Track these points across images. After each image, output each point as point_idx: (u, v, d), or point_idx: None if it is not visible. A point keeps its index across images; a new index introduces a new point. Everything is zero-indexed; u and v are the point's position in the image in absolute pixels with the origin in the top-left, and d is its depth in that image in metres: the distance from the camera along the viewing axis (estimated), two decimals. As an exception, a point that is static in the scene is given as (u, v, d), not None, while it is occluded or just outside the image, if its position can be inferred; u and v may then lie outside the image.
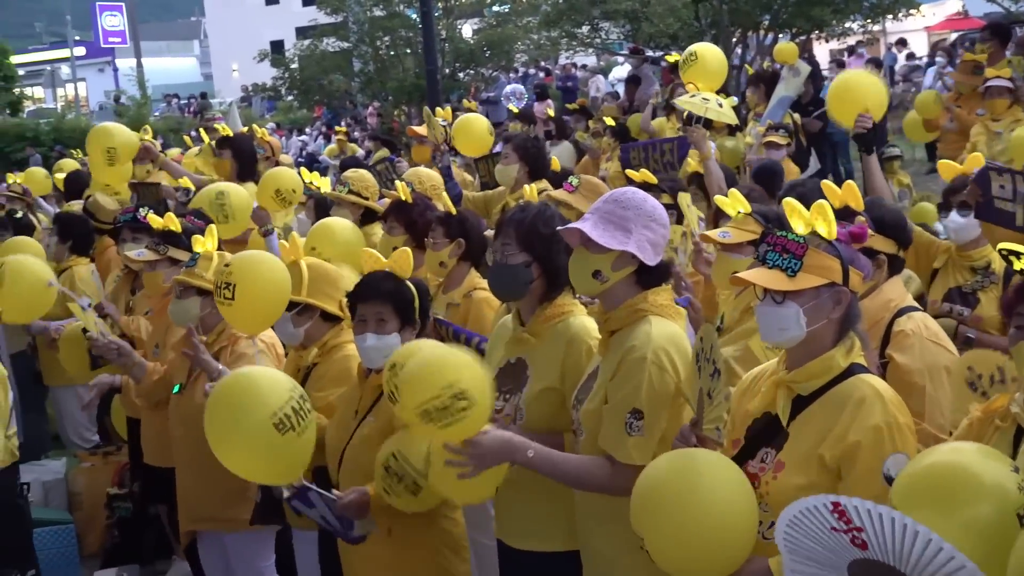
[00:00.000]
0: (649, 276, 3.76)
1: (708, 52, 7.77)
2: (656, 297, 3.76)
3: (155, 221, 6.26)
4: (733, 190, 4.14)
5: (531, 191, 6.64)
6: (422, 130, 10.02)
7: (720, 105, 7.28)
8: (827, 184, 4.69)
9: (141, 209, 7.21)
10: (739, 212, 4.85)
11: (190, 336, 5.15)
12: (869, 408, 3.13)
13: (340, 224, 6.86)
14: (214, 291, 5.01)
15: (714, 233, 4.87)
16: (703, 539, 3.01)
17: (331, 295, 5.07)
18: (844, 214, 4.49)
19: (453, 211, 6.10)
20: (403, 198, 6.73)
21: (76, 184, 10.66)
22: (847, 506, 2.57)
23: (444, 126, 9.89)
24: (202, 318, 5.51)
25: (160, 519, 7.10)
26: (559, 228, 3.85)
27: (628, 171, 6.86)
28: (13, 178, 11.98)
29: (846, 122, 6.21)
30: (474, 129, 9.36)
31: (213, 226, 5.77)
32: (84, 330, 6.15)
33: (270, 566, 5.68)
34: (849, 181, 4.67)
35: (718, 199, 5.04)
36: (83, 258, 8.43)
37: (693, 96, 7.41)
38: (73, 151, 12.76)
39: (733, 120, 8.04)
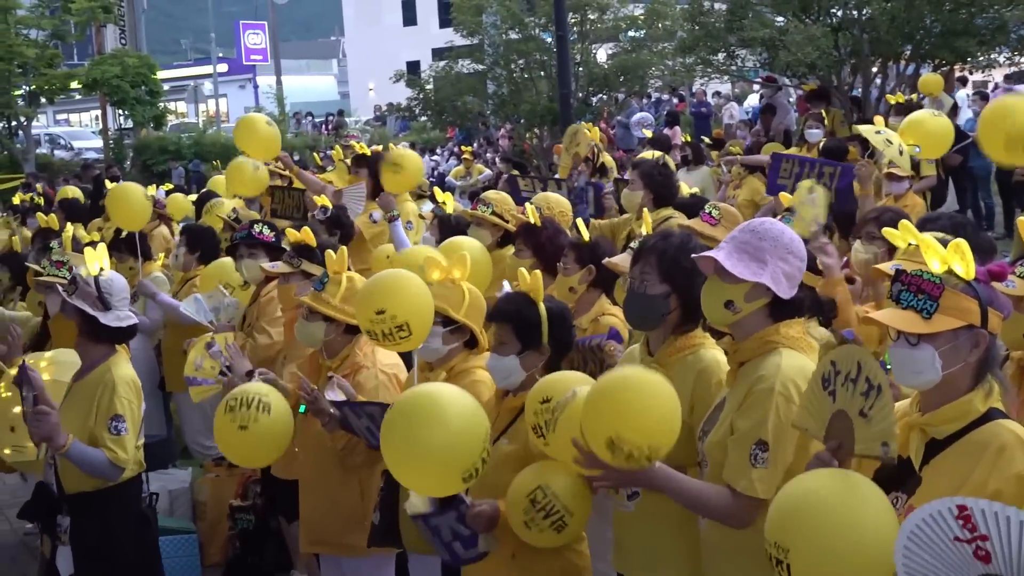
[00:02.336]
0: (782, 308, 3.69)
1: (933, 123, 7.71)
2: (788, 330, 3.69)
3: (291, 234, 6.35)
4: (904, 221, 4.03)
5: (647, 218, 6.55)
6: (561, 150, 10.00)
7: (900, 153, 7.10)
8: None
9: (256, 225, 7.33)
10: (910, 244, 4.69)
11: (304, 386, 5.13)
12: (1011, 456, 2.99)
13: (469, 244, 6.87)
14: (381, 337, 4.86)
15: (885, 266, 4.74)
16: (859, 561, 2.83)
17: (480, 322, 5.10)
18: None
19: (586, 237, 6.07)
20: (531, 221, 6.72)
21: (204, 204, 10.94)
22: (973, 509, 2.46)
23: (593, 147, 9.85)
24: (326, 343, 5.52)
25: (281, 533, 7.18)
26: (694, 256, 3.79)
27: (782, 195, 6.72)
28: (152, 190, 12.28)
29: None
30: None
31: (344, 248, 5.80)
32: (208, 345, 6.25)
33: None
34: None
35: (887, 231, 4.89)
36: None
37: (879, 132, 7.22)
38: (214, 163, 13.03)
39: (907, 171, 7.86)
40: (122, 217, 8.93)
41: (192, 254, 8.60)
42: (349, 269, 5.73)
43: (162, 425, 9.05)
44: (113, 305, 5.38)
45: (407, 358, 5.47)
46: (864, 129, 7.52)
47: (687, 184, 9.91)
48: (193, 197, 12.48)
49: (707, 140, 16.36)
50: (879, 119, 7.67)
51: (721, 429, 3.68)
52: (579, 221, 6.61)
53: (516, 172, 16.79)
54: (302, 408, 5.56)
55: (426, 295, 4.92)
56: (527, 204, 7.32)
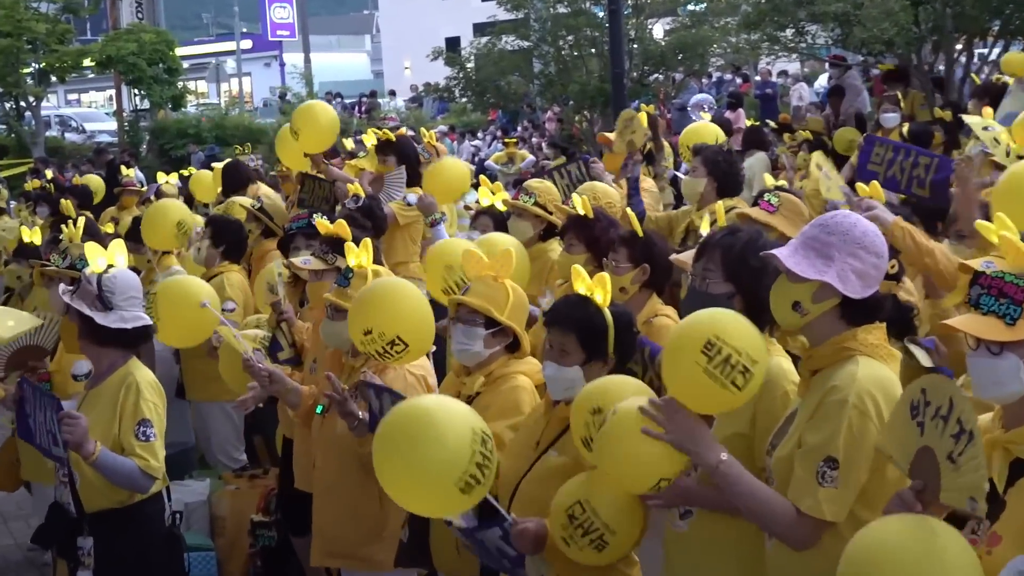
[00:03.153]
0: (858, 311, 3.65)
1: None
2: (867, 335, 3.65)
3: (322, 226, 6.35)
4: (999, 214, 4.07)
5: (720, 209, 6.51)
6: (612, 136, 9.92)
7: (1008, 155, 7.02)
8: None
9: (316, 214, 7.34)
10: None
11: (332, 381, 5.19)
12: None
13: (506, 240, 6.83)
14: (379, 357, 5.03)
15: (976, 262, 4.68)
16: None
17: (523, 323, 5.10)
18: None
19: (639, 231, 6.00)
20: (582, 212, 6.68)
21: (235, 177, 10.86)
22: None
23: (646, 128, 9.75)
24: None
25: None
26: (763, 253, 3.77)
27: (858, 184, 6.67)
28: (165, 177, 12.34)
29: None
30: None
31: (368, 240, 5.81)
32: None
33: None
34: None
35: (980, 224, 4.81)
36: (235, 264, 8.60)
37: (987, 128, 7.13)
38: (238, 148, 13.04)
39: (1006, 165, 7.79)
40: (151, 237, 8.97)
41: (216, 248, 8.53)
42: (381, 263, 5.77)
43: (188, 432, 9.05)
44: (115, 305, 5.37)
45: (441, 368, 5.50)
46: (973, 121, 7.40)
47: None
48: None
49: (772, 124, 16.26)
50: (988, 111, 7.55)
51: (790, 443, 3.65)
52: (630, 212, 6.50)
53: (564, 159, 16.73)
54: (319, 408, 5.59)
55: (416, 302, 5.05)
56: (574, 195, 7.25)
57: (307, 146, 9.48)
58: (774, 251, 3.68)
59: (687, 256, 5.23)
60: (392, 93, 45.16)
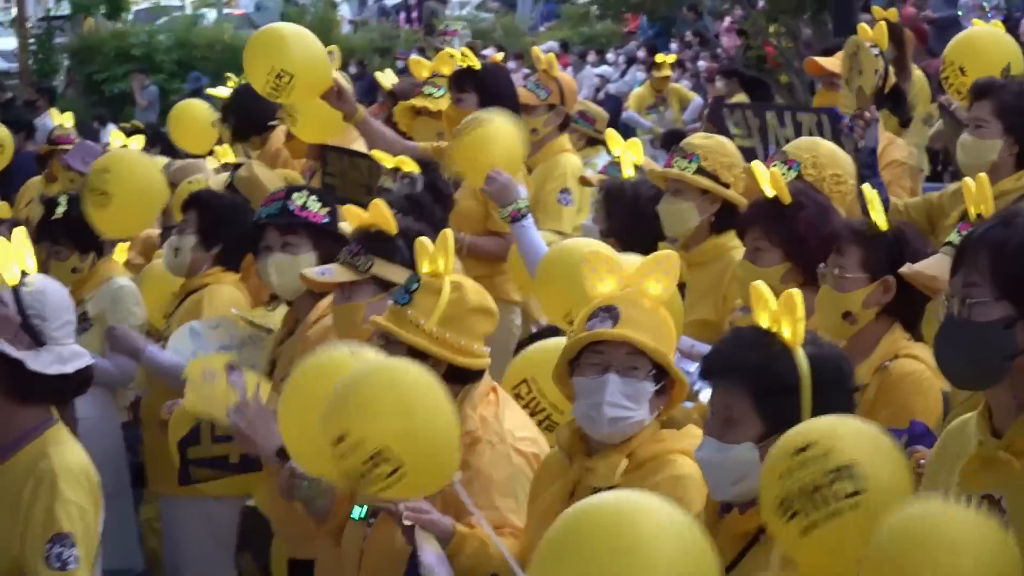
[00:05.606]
0: None
1: None
2: None
3: (354, 215, 6.44)
4: None
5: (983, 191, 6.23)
6: (830, 63, 9.80)
7: None
8: None
9: (296, 194, 7.35)
10: None
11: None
12: None
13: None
14: (361, 480, 4.91)
15: None
16: None
17: None
18: None
19: (884, 224, 5.97)
20: (769, 190, 6.64)
21: (254, 109, 10.49)
22: None
23: (877, 56, 9.39)
24: None
25: None
26: None
27: None
28: (118, 136, 12.37)
29: None
30: None
31: (448, 231, 5.81)
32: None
33: None
34: None
35: None
36: (230, 273, 8.55)
37: None
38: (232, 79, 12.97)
39: None
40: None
41: (207, 249, 8.43)
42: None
43: (135, 548, 9.03)
44: (49, 336, 5.41)
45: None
46: None
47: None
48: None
49: None
50: None
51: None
52: (868, 192, 6.28)
53: (744, 96, 16.61)
54: (360, 513, 5.65)
55: (429, 394, 4.96)
56: (755, 164, 7.05)
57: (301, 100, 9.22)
58: None
59: (931, 265, 5.26)
60: None
